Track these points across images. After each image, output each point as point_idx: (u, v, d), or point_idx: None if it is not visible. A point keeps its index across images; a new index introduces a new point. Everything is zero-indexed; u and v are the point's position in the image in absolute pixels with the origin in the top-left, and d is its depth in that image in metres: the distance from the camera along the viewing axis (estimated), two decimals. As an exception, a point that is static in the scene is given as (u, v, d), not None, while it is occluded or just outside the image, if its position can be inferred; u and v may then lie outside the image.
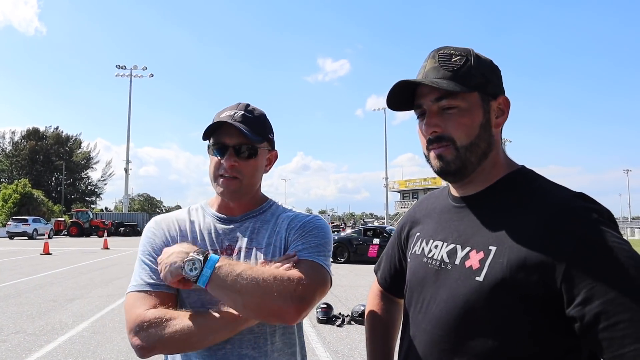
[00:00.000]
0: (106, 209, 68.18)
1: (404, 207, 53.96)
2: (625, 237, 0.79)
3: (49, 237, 21.94)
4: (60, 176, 60.03)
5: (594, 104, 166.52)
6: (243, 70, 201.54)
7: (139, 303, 1.08)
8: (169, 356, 1.20)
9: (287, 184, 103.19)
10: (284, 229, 1.20)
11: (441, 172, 0.96)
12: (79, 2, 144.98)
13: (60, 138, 65.39)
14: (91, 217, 37.42)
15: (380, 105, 60.51)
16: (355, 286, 9.67)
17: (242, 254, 1.17)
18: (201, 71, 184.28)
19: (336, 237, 15.63)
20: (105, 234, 27.91)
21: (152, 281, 1.12)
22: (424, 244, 1.05)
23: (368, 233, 15.76)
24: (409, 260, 1.11)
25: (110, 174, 71.24)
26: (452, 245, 0.95)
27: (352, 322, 6.24)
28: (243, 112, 1.18)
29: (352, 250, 14.96)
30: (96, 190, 70.17)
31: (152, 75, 48.64)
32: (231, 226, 1.22)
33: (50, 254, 16.98)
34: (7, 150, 62.79)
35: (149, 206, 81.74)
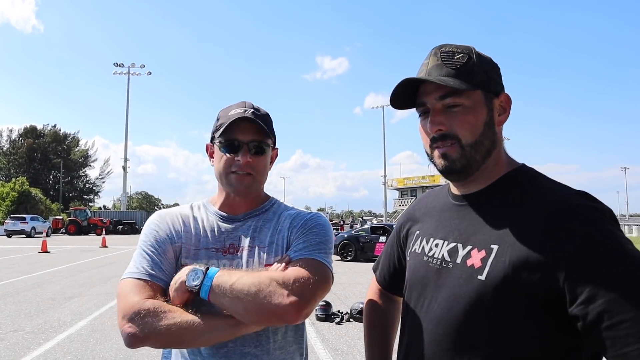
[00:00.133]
0: (104, 207, 68.18)
1: (403, 205, 53.93)
2: (624, 235, 0.79)
3: (47, 236, 21.91)
4: (58, 174, 59.90)
5: (592, 102, 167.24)
6: (241, 68, 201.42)
7: (137, 290, 1.06)
8: (172, 352, 1.19)
9: (285, 181, 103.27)
10: (286, 227, 1.20)
11: (446, 171, 0.94)
12: (77, 0, 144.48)
13: (58, 136, 65.22)
14: (89, 215, 37.32)
15: (378, 103, 60.37)
16: (354, 284, 9.68)
17: (245, 252, 1.17)
18: (199, 69, 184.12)
19: (345, 235, 15.65)
20: (104, 232, 27.78)
21: (152, 272, 1.10)
22: (424, 242, 1.04)
23: (377, 231, 15.63)
24: (408, 258, 1.11)
25: (108, 172, 71.27)
26: (453, 244, 0.95)
27: (351, 320, 6.24)
28: (253, 110, 1.19)
29: (359, 248, 14.91)
30: (94, 188, 70.22)
31: (150, 73, 48.47)
32: (234, 225, 1.22)
33: (49, 252, 16.96)
34: (5, 149, 62.65)
35: (147, 204, 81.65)
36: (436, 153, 0.94)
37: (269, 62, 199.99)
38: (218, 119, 1.22)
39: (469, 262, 0.89)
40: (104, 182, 71.36)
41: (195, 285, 1.02)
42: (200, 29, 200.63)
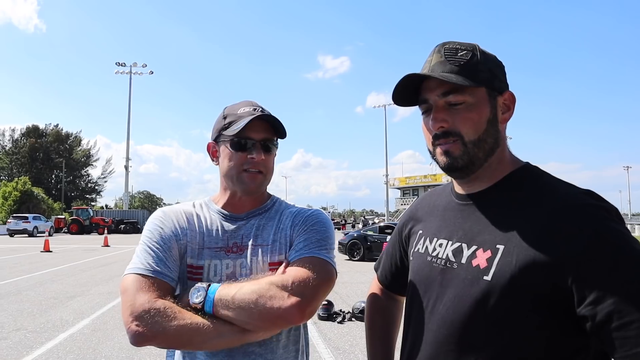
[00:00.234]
0: (106, 206, 68.19)
1: (405, 204, 53.87)
2: (629, 234, 0.78)
3: (50, 235, 22.02)
4: (60, 174, 60.04)
5: (594, 101, 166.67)
6: (243, 68, 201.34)
7: (144, 287, 1.04)
8: (175, 352, 1.19)
9: (287, 181, 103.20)
10: (288, 225, 1.20)
11: (448, 168, 0.94)
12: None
13: (60, 135, 65.32)
14: (91, 214, 37.36)
15: (380, 103, 60.34)
16: (356, 283, 9.67)
17: (249, 251, 1.17)
18: (201, 68, 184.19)
19: (355, 235, 15.70)
20: (106, 231, 27.93)
21: (158, 269, 1.09)
22: (427, 242, 1.03)
23: (386, 230, 15.57)
24: (411, 258, 1.10)
25: (110, 171, 71.43)
26: (457, 244, 0.94)
27: (353, 319, 6.24)
28: (262, 109, 1.19)
29: (366, 248, 14.92)
30: (96, 187, 70.29)
31: (152, 73, 48.43)
32: (237, 224, 1.22)
33: (51, 251, 17.00)
34: (7, 148, 62.79)
35: (149, 203, 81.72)
36: (438, 150, 0.93)
37: (271, 62, 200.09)
38: (225, 117, 1.20)
39: (474, 263, 0.87)
40: (106, 182, 71.61)
41: (199, 302, 1.03)
42: (202, 28, 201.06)
